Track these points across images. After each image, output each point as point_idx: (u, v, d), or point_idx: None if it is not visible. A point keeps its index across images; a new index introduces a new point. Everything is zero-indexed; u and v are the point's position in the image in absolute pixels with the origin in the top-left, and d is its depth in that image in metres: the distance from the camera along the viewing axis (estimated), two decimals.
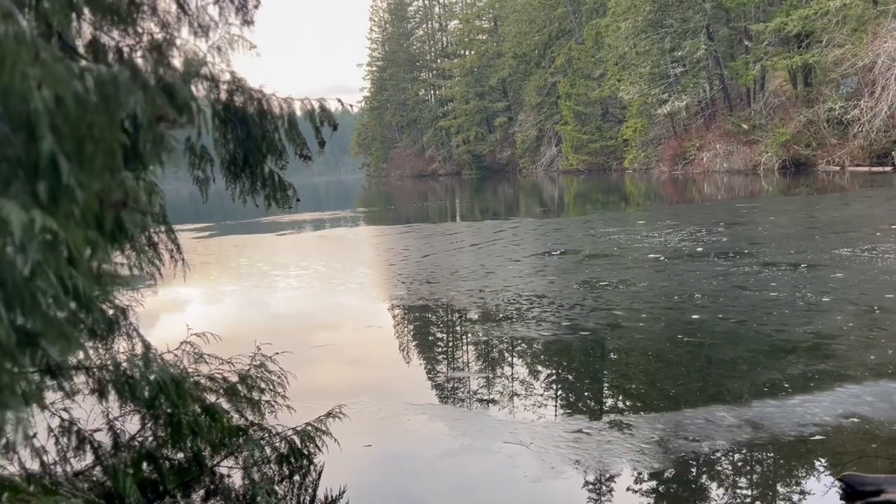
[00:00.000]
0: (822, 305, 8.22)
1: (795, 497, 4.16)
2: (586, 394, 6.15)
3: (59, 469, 3.39)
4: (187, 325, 3.95)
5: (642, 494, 4.24)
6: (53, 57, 1.15)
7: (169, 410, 3.38)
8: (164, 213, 3.61)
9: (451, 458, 4.85)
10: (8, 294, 1.18)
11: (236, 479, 3.90)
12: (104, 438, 3.43)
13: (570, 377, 6.63)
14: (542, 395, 6.10)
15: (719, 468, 4.50)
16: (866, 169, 31.33)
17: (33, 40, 1.09)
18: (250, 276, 13.71)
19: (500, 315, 8.94)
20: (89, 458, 3.41)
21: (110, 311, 3.17)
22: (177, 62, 3.30)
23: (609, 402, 5.92)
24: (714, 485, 4.32)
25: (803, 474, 4.42)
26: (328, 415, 4.31)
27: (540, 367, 6.94)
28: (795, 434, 4.80)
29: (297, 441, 4.15)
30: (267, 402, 4.09)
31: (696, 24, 41.65)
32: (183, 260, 3.69)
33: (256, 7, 3.83)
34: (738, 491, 4.21)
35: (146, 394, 3.11)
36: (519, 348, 7.59)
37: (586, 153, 53.74)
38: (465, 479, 4.59)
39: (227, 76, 3.36)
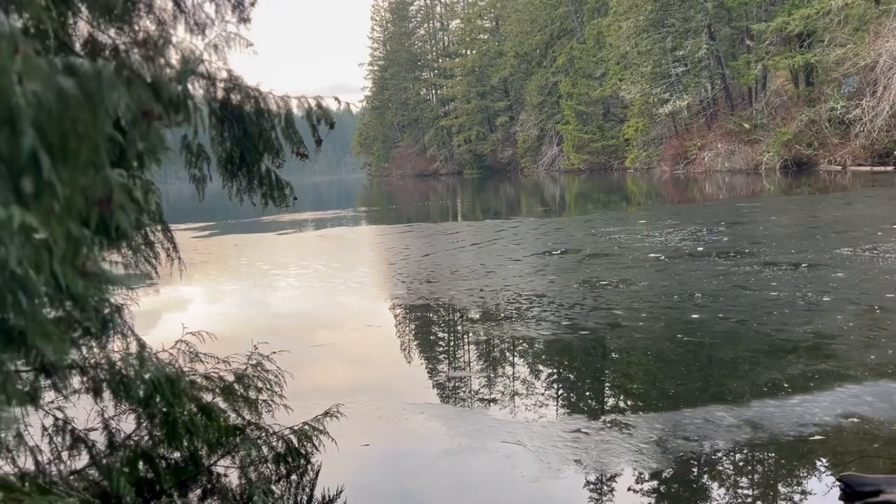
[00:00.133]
0: (822, 305, 8.20)
1: (794, 497, 4.14)
2: (585, 393, 6.13)
3: (55, 468, 3.38)
4: (182, 324, 3.93)
5: (640, 494, 4.22)
6: (35, 51, 1.13)
7: (164, 409, 3.37)
8: (160, 212, 3.60)
9: (449, 458, 4.83)
10: None
11: (233, 479, 3.89)
12: (100, 438, 3.42)
13: (569, 377, 6.62)
14: (540, 394, 6.08)
15: (718, 468, 4.48)
16: (868, 168, 31.28)
17: (13, 34, 1.07)
18: (250, 276, 13.70)
19: (500, 314, 8.93)
20: (84, 457, 3.40)
21: (105, 310, 3.16)
22: (173, 60, 3.29)
23: (608, 401, 5.90)
24: (712, 485, 4.30)
25: (802, 474, 4.40)
26: (325, 414, 4.30)
27: (539, 367, 6.92)
28: (795, 434, 4.78)
29: (295, 440, 4.14)
30: (264, 401, 4.08)
31: (697, 23, 41.60)
32: (179, 258, 3.69)
33: (253, 5, 3.82)
34: (737, 491, 4.19)
35: (141, 393, 3.09)
36: (518, 348, 7.58)
37: (588, 153, 53.72)
38: (463, 478, 4.57)
39: (224, 74, 3.34)
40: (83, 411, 3.43)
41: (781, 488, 4.23)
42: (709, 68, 42.54)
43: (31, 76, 1.14)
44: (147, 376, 3.08)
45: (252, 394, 4.03)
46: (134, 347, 3.14)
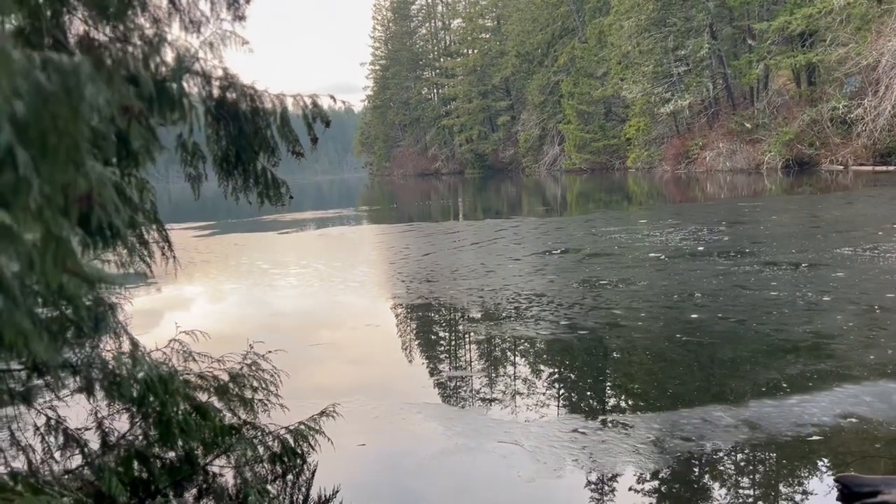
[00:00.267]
0: (822, 305, 8.18)
1: (791, 498, 4.12)
2: (582, 393, 6.11)
3: (48, 468, 3.36)
4: (176, 323, 3.92)
5: (636, 494, 4.20)
6: (11, 46, 1.12)
7: (158, 409, 3.36)
8: (154, 210, 3.59)
9: (446, 458, 4.82)
10: None
11: (229, 478, 3.88)
12: (93, 437, 3.41)
13: (567, 376, 6.60)
14: (538, 394, 6.07)
15: (715, 469, 4.46)
16: (870, 168, 31.24)
17: None
18: (250, 275, 13.69)
19: (499, 314, 8.91)
20: (78, 456, 3.39)
21: (98, 309, 3.15)
22: (169, 57, 3.28)
23: (605, 401, 5.88)
24: (709, 485, 4.28)
25: (799, 475, 4.38)
26: (322, 414, 4.29)
27: (537, 367, 6.90)
28: (793, 434, 4.76)
29: (291, 440, 4.12)
30: (260, 400, 4.07)
31: (699, 22, 41.56)
32: (174, 257, 3.67)
33: (248, 2, 3.80)
34: (734, 492, 4.17)
35: (133, 392, 3.08)
36: (516, 347, 7.56)
37: (589, 152, 53.69)
38: (460, 478, 4.56)
39: (220, 72, 3.33)
40: (79, 411, 3.42)
41: (778, 489, 4.21)
42: (710, 68, 42.49)
43: (7, 71, 1.13)
44: (140, 375, 3.07)
45: (248, 393, 4.02)
46: (127, 346, 3.12)
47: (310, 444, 4.13)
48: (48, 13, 2.88)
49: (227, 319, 9.68)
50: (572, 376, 6.61)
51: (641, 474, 4.39)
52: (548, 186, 44.27)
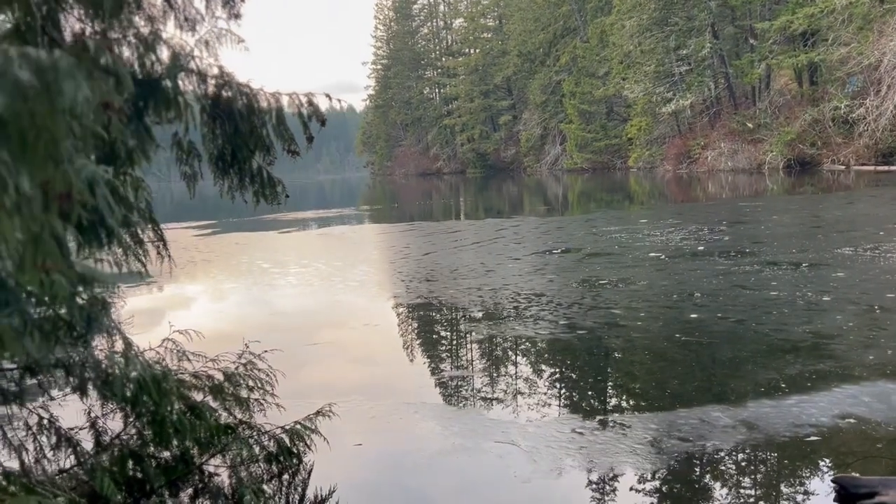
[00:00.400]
0: (822, 305, 8.15)
1: (789, 499, 4.10)
2: (580, 393, 6.10)
3: (42, 468, 3.35)
4: (170, 322, 3.91)
5: (633, 495, 4.19)
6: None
7: (152, 409, 3.35)
8: (150, 209, 3.57)
9: (443, 458, 4.81)
10: None
11: (225, 478, 3.87)
12: (86, 437, 3.39)
13: (565, 376, 6.58)
14: (535, 394, 6.05)
15: (711, 469, 4.44)
16: (872, 168, 31.19)
17: None
18: (250, 274, 13.69)
19: (498, 314, 8.89)
20: (72, 457, 3.38)
21: (91, 308, 3.14)
22: (164, 56, 3.27)
23: (603, 401, 5.86)
24: (705, 486, 4.26)
25: (797, 476, 4.36)
26: (318, 413, 4.27)
27: (535, 366, 6.89)
28: (791, 435, 4.74)
29: (286, 440, 4.11)
30: (256, 400, 4.06)
31: (701, 22, 41.50)
32: (169, 256, 3.66)
33: (243, 1, 3.78)
34: (731, 492, 4.15)
35: (127, 392, 3.07)
36: (515, 347, 7.55)
37: (591, 152, 53.65)
38: (456, 478, 4.55)
39: (215, 70, 3.32)
40: (73, 411, 3.41)
41: (775, 490, 4.19)
42: (712, 67, 42.43)
43: None
44: (133, 375, 3.06)
45: (243, 392, 4.00)
46: (120, 346, 3.11)
47: (306, 444, 4.11)
48: (44, 11, 2.87)
49: (226, 318, 9.68)
50: (570, 376, 6.59)
51: (638, 475, 4.38)
52: (549, 186, 44.24)
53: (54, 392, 3.22)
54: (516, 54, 62.76)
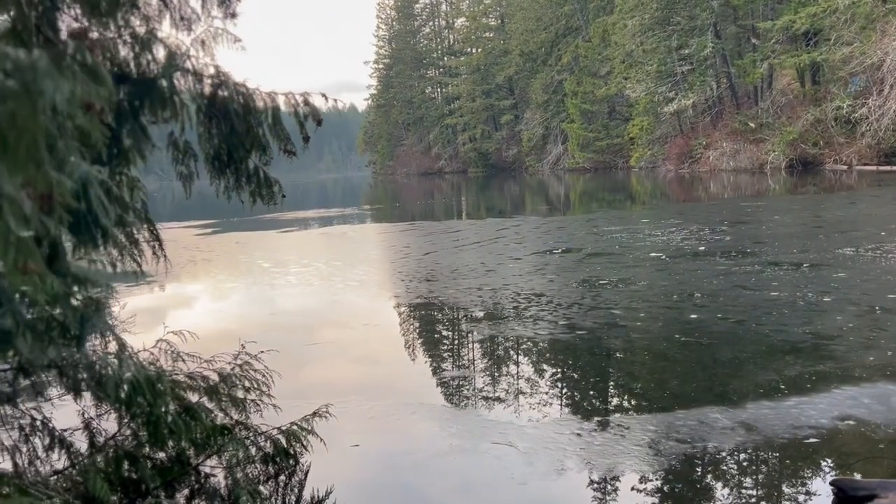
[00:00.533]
0: (822, 305, 8.12)
1: (788, 501, 4.08)
2: (579, 394, 6.07)
3: (35, 469, 3.34)
4: (164, 323, 3.90)
5: (631, 497, 4.17)
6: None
7: (147, 410, 3.34)
8: (146, 209, 3.56)
9: (440, 459, 4.79)
10: None
11: (221, 479, 3.86)
12: (81, 438, 3.38)
13: (564, 377, 6.56)
14: (534, 395, 6.03)
15: (709, 471, 4.42)
16: (874, 168, 31.11)
17: None
18: (250, 273, 13.68)
19: (498, 314, 8.87)
20: (66, 458, 3.37)
21: (85, 309, 3.12)
22: (160, 55, 3.25)
23: (602, 402, 5.84)
24: (703, 487, 4.24)
25: (795, 478, 4.34)
26: (314, 414, 4.25)
27: (534, 367, 6.87)
28: (789, 437, 4.72)
29: (283, 440, 4.09)
30: (252, 401, 4.04)
31: (703, 21, 41.42)
32: (165, 256, 3.64)
33: (239, 0, 3.76)
34: (729, 494, 4.13)
35: (121, 393, 3.06)
36: (514, 348, 7.53)
37: (592, 151, 53.58)
38: (453, 480, 4.53)
39: (211, 70, 3.30)
40: (67, 412, 3.40)
41: (774, 492, 4.17)
42: (714, 67, 42.37)
43: None
44: (127, 375, 3.05)
45: (239, 393, 3.99)
46: (114, 347, 3.10)
47: (303, 445, 4.10)
48: (39, 10, 2.86)
49: (226, 318, 9.67)
50: (570, 376, 6.57)
51: (637, 477, 4.36)
52: (551, 185, 44.20)
53: (48, 393, 3.21)
54: (518, 54, 62.69)
